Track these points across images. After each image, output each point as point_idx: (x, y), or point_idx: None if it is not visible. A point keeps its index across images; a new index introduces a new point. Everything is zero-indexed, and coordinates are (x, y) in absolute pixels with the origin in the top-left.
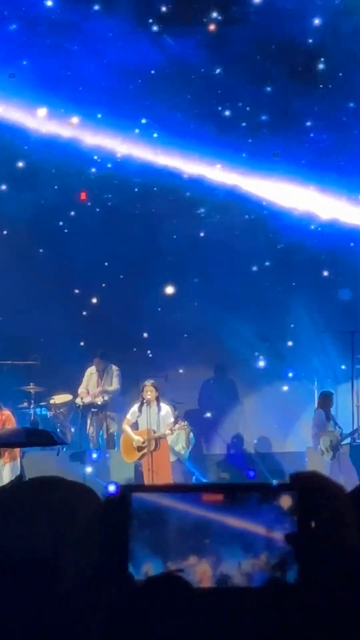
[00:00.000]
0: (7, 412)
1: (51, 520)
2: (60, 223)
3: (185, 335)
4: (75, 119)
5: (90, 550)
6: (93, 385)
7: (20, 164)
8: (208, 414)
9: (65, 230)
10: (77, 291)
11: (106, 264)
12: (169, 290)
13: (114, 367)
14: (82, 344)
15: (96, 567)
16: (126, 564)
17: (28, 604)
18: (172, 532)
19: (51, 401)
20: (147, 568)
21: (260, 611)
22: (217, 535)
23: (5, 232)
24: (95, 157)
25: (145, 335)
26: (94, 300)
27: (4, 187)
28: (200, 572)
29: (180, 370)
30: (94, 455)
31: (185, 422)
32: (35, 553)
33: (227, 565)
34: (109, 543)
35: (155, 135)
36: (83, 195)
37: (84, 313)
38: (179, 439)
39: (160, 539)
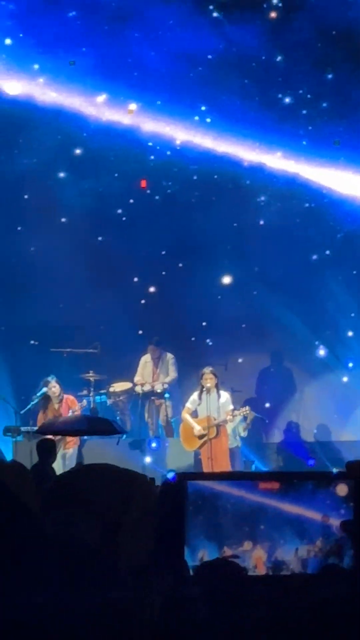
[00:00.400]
0: (71, 397)
1: (109, 507)
2: (119, 211)
3: (244, 326)
4: (134, 106)
5: (147, 537)
6: (148, 373)
7: (79, 151)
8: (267, 402)
9: (124, 219)
10: (135, 279)
11: (163, 252)
12: (227, 279)
13: (169, 355)
14: (140, 332)
15: (153, 553)
16: (182, 550)
17: (85, 589)
18: (228, 519)
19: (111, 389)
20: (203, 554)
21: (316, 597)
22: (272, 522)
23: (64, 220)
24: (154, 145)
25: (204, 323)
26: (152, 289)
27: (62, 174)
28: (255, 557)
29: (240, 360)
30: (153, 445)
31: (247, 407)
32: (92, 539)
33: (282, 551)
34: (165, 530)
35: (214, 122)
36: (143, 183)
37: (143, 301)
38: (239, 425)
39: (215, 525)
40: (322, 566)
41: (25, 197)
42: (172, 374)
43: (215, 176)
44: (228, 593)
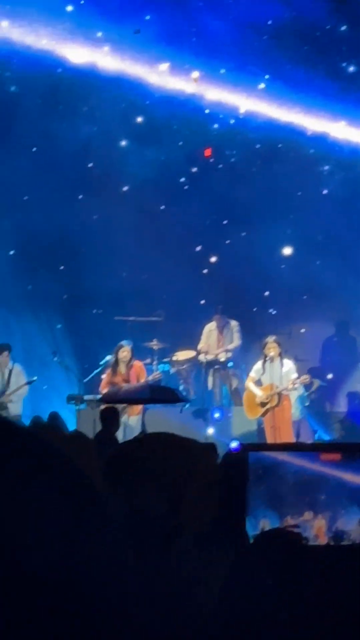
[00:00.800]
0: (139, 365)
1: (173, 477)
2: (182, 179)
3: (305, 297)
4: (197, 74)
5: (209, 507)
6: (213, 342)
7: (141, 120)
8: (330, 372)
9: (186, 187)
10: (198, 249)
11: (225, 222)
12: (288, 250)
13: (234, 323)
14: (202, 302)
15: (215, 524)
16: (244, 520)
17: (147, 559)
18: (289, 488)
19: (174, 358)
20: (264, 524)
21: None
22: (334, 492)
23: (125, 189)
24: (218, 113)
25: (266, 293)
26: (213, 259)
27: (124, 143)
28: (316, 527)
29: (303, 329)
30: (217, 415)
31: (307, 375)
32: (155, 508)
33: (344, 521)
34: (227, 499)
35: (278, 91)
36: (207, 152)
37: (205, 271)
38: (302, 392)
39: (276, 495)
40: None
41: (89, 165)
42: (237, 341)
43: (280, 145)
44: (289, 562)
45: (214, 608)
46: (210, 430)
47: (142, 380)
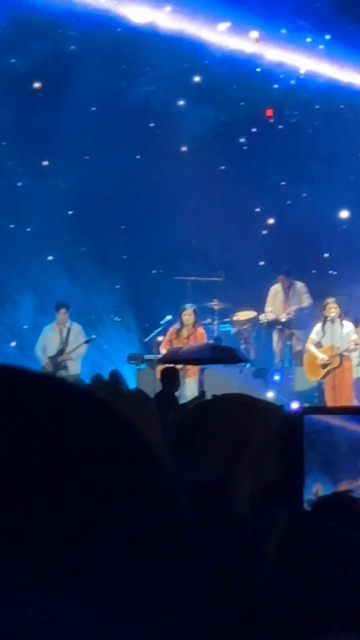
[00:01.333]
0: (201, 331)
1: (239, 440)
2: (241, 140)
3: None
4: (258, 34)
5: (267, 471)
6: (279, 303)
7: (200, 79)
8: None
9: (245, 148)
10: (257, 209)
11: (283, 183)
12: (346, 213)
13: (300, 284)
14: (262, 263)
15: (271, 487)
16: (301, 485)
17: (201, 526)
18: (342, 453)
19: (234, 318)
20: (317, 488)
21: None
22: None
23: (184, 149)
24: (278, 74)
25: (326, 255)
26: (271, 221)
27: (183, 102)
28: None
29: None
30: (276, 377)
31: None
32: (211, 474)
33: None
34: (284, 463)
35: (339, 51)
36: (269, 112)
37: (264, 232)
38: None
39: (329, 460)
40: None
41: (151, 125)
42: (307, 300)
43: (342, 106)
44: (349, 528)
45: (270, 577)
46: (271, 393)
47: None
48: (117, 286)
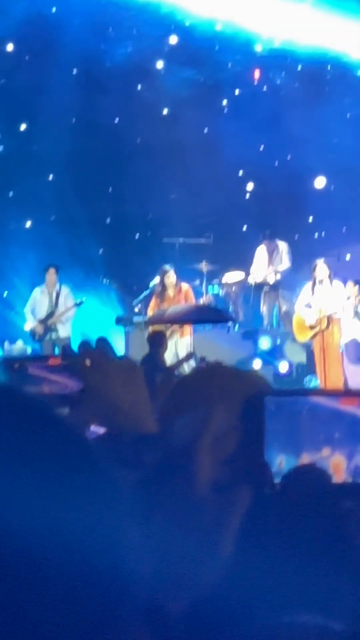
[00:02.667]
0: (186, 286)
1: (208, 412)
2: (224, 102)
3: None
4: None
5: (228, 445)
6: (263, 264)
7: (180, 41)
8: None
9: (227, 110)
10: (240, 173)
11: (262, 148)
12: (321, 182)
13: (283, 244)
14: (244, 228)
15: (233, 461)
16: (263, 459)
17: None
18: (305, 425)
19: (223, 280)
20: (280, 461)
21: None
22: (351, 427)
23: (166, 112)
24: (261, 35)
25: (310, 219)
26: (252, 186)
27: (163, 64)
28: (334, 464)
29: (348, 254)
30: (265, 345)
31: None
32: (184, 444)
33: None
34: (245, 438)
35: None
36: (256, 73)
37: (247, 196)
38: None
39: (292, 432)
40: None
41: (134, 87)
42: (286, 262)
43: (328, 67)
44: (309, 500)
45: (231, 558)
46: (258, 359)
47: (191, 303)
48: (100, 250)
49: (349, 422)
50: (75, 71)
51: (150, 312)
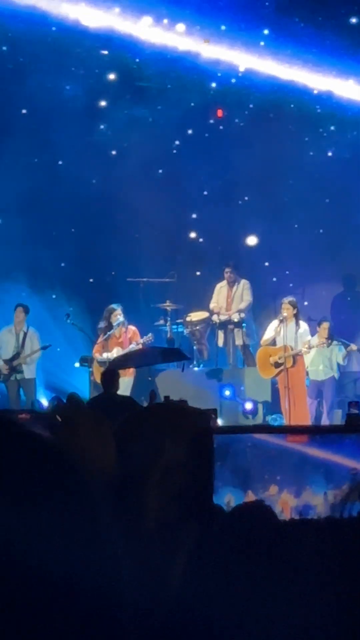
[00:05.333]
0: (133, 328)
1: (152, 451)
2: (177, 142)
3: (314, 258)
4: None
5: (177, 483)
6: (223, 298)
7: (122, 78)
8: (345, 330)
9: (174, 152)
10: (194, 216)
11: (205, 193)
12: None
13: (244, 281)
14: (198, 273)
15: (180, 498)
16: (211, 497)
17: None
18: (253, 463)
19: (187, 318)
20: (229, 499)
21: (346, 542)
22: (299, 466)
23: (114, 153)
24: (216, 72)
25: (266, 264)
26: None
27: (108, 102)
28: (281, 502)
29: (313, 290)
30: (227, 393)
31: (326, 340)
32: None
33: (310, 495)
34: (193, 477)
35: (281, 48)
36: (219, 112)
37: (201, 240)
38: (337, 354)
39: (240, 470)
40: (349, 511)
41: (101, 128)
42: (247, 298)
43: (292, 105)
44: (263, 538)
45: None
46: (228, 392)
47: (136, 342)
48: (54, 294)
49: (297, 461)
50: (24, 111)
51: (96, 354)
